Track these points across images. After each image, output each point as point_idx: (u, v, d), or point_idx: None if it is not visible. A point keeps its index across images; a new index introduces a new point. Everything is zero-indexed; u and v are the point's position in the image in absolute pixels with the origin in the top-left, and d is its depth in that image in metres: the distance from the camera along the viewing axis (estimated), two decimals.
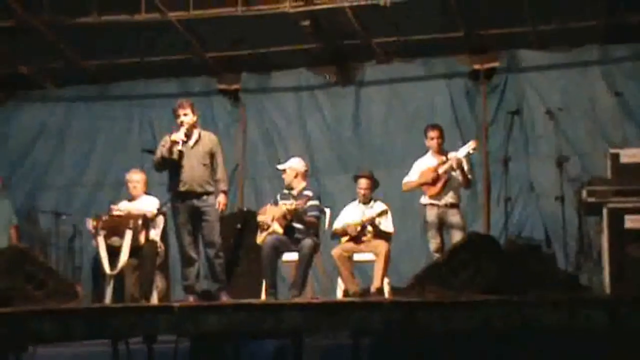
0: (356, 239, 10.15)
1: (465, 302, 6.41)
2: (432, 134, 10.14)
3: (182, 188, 9.30)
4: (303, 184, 10.21)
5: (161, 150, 9.38)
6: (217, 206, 9.41)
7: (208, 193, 9.35)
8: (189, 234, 9.35)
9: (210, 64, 13.54)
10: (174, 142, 9.23)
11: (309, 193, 10.08)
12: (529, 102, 12.35)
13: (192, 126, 9.42)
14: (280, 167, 10.41)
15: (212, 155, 9.44)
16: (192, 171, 9.28)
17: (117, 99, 14.18)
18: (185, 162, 9.28)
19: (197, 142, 9.40)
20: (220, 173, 9.50)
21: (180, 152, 9.25)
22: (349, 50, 13.06)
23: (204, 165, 9.35)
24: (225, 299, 9.16)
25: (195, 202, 9.31)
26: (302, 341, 7.48)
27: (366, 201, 10.40)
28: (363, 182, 10.45)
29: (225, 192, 9.56)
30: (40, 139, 14.24)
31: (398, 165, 11.34)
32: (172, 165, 9.38)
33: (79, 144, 14.13)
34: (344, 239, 10.23)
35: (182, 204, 9.33)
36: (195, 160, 9.31)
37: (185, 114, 9.34)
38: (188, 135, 9.33)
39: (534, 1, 11.52)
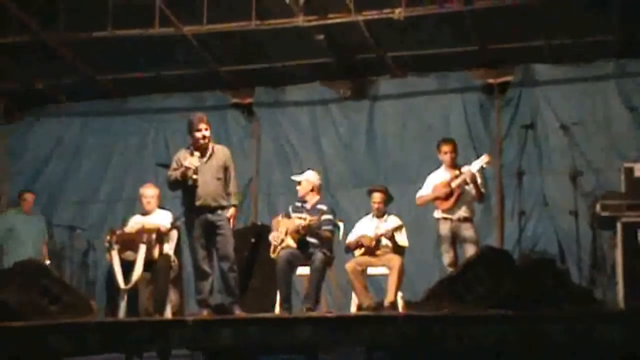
0: (370, 252, 10.15)
1: (479, 316, 6.40)
2: (445, 148, 10.13)
3: (196, 203, 9.31)
4: (317, 197, 10.22)
5: (174, 173, 9.37)
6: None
7: (222, 207, 9.35)
8: (203, 248, 9.34)
9: (224, 78, 13.57)
10: (188, 168, 9.23)
11: (322, 207, 10.09)
12: (543, 116, 12.32)
13: (208, 141, 9.45)
14: (296, 178, 10.41)
15: (225, 169, 9.46)
16: (207, 186, 9.29)
17: (131, 113, 14.22)
18: (200, 177, 9.28)
19: (210, 156, 9.41)
20: (232, 187, 9.51)
21: (195, 180, 9.26)
22: (363, 64, 13.07)
23: (218, 179, 9.36)
24: (238, 312, 9.15)
25: (210, 216, 9.31)
26: (317, 355, 7.48)
27: (380, 215, 10.40)
28: (377, 196, 10.45)
29: (235, 207, 9.56)
30: (55, 153, 14.30)
31: (412, 180, 11.33)
32: (185, 185, 9.40)
33: (94, 159, 14.17)
34: (358, 252, 10.22)
35: (197, 218, 9.33)
36: (209, 174, 9.32)
37: (206, 129, 9.35)
38: (203, 154, 9.35)
39: (548, 15, 11.50)
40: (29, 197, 12.55)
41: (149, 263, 9.80)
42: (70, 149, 14.28)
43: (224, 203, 9.37)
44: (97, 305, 9.14)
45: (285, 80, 13.63)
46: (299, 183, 10.29)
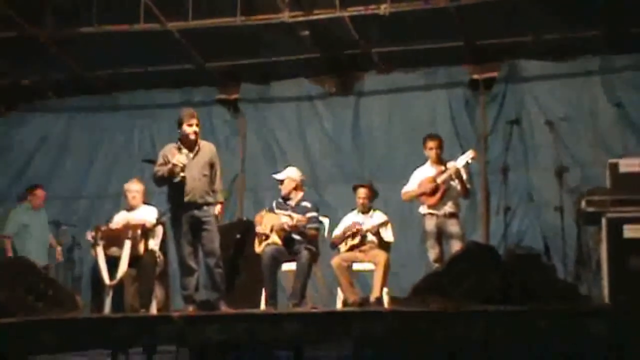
0: (356, 246, 10.16)
1: (465, 311, 6.41)
2: (431, 144, 10.16)
3: (185, 199, 9.31)
4: (300, 193, 10.25)
5: (161, 169, 9.36)
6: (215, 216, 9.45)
7: (208, 203, 9.37)
8: (189, 244, 9.35)
9: (209, 74, 13.55)
10: (175, 165, 9.23)
11: (307, 204, 10.11)
12: (528, 112, 12.34)
13: (197, 137, 9.45)
14: (277, 177, 10.41)
15: (211, 166, 9.46)
16: (194, 182, 9.29)
17: (118, 109, 14.20)
18: (187, 173, 9.28)
19: (197, 152, 9.41)
20: (218, 184, 9.54)
21: (182, 177, 9.27)
22: (349, 60, 13.08)
23: (204, 175, 9.37)
24: (224, 308, 9.16)
25: (196, 212, 9.31)
26: (302, 351, 7.48)
27: (365, 211, 10.42)
28: (362, 192, 10.48)
29: (221, 203, 9.61)
30: (41, 149, 14.27)
31: (398, 175, 11.32)
32: (172, 181, 9.40)
33: (80, 155, 14.15)
34: (343, 248, 10.23)
35: (184, 214, 9.33)
36: (196, 171, 9.32)
37: (197, 124, 9.37)
38: (191, 150, 9.35)
39: (534, 11, 11.51)
40: (39, 192, 12.52)
41: (134, 259, 9.80)
42: (56, 144, 14.26)
43: (210, 199, 9.39)
44: (82, 301, 9.12)
45: (271, 76, 13.63)
46: (281, 182, 10.29)
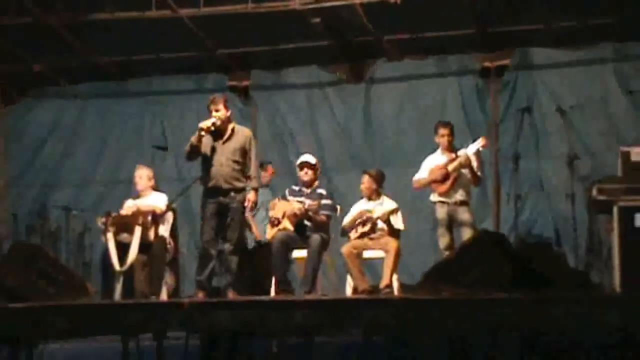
0: (366, 234, 10.14)
1: (476, 299, 6.41)
2: (443, 131, 10.14)
3: (209, 184, 9.33)
4: (316, 182, 10.23)
5: (191, 138, 9.40)
6: (245, 203, 9.41)
7: (236, 190, 9.35)
8: (212, 229, 9.36)
9: (220, 60, 13.55)
10: (200, 129, 9.24)
11: (322, 191, 10.10)
12: (540, 100, 12.31)
13: (226, 122, 9.43)
14: (310, 160, 10.29)
15: (244, 151, 9.44)
16: (220, 167, 9.31)
17: (129, 95, 14.20)
18: (215, 158, 9.31)
19: (229, 138, 9.41)
20: (253, 170, 9.52)
21: (200, 138, 9.26)
22: (360, 47, 13.05)
23: (234, 161, 9.37)
24: (232, 295, 9.17)
25: (222, 198, 9.33)
26: (313, 339, 7.49)
27: (370, 197, 10.38)
28: (364, 179, 10.44)
29: (255, 190, 9.54)
30: (53, 135, 14.28)
31: (409, 163, 11.32)
32: (202, 157, 9.41)
33: (91, 141, 14.16)
34: (354, 235, 10.22)
35: (210, 199, 9.36)
36: (224, 156, 9.33)
37: (217, 110, 9.39)
38: (217, 128, 9.34)
39: None
40: None
41: (144, 245, 9.82)
42: (68, 131, 14.25)
43: (238, 185, 9.38)
44: (93, 287, 9.14)
45: (282, 63, 13.61)
46: (303, 167, 10.18)
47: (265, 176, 11.72)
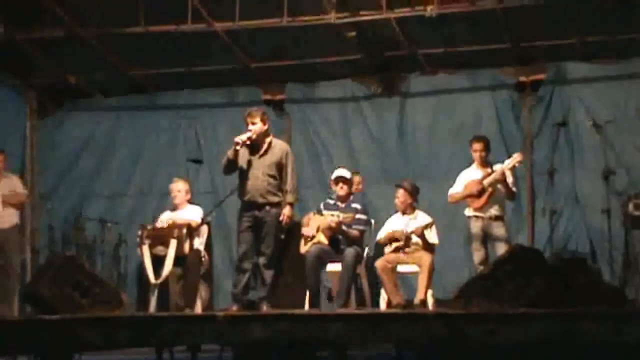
0: (403, 246, 10.12)
1: (510, 314, 6.38)
2: (477, 146, 10.11)
3: (245, 198, 9.34)
4: (350, 196, 10.22)
5: (227, 152, 9.41)
6: (280, 217, 9.36)
7: (271, 204, 9.33)
8: (245, 243, 9.34)
9: (255, 74, 13.59)
10: (236, 143, 9.25)
11: (357, 206, 10.07)
12: (575, 114, 12.25)
13: (262, 135, 9.43)
14: (346, 174, 10.29)
15: (280, 166, 9.43)
16: (256, 181, 9.28)
17: (163, 108, 14.26)
18: (251, 171, 9.30)
19: (266, 151, 9.39)
20: (289, 184, 9.43)
21: (236, 152, 9.26)
22: (394, 61, 13.06)
23: (270, 175, 9.33)
24: (265, 309, 9.17)
25: (257, 212, 9.30)
26: (346, 352, 7.48)
27: (405, 211, 10.35)
28: (398, 193, 10.42)
29: (291, 204, 9.45)
30: (87, 147, 14.34)
31: (443, 177, 11.30)
32: (238, 170, 9.43)
33: (125, 153, 14.23)
34: (388, 249, 10.20)
35: (245, 213, 9.35)
36: (261, 170, 9.30)
37: (253, 123, 9.36)
38: (253, 141, 9.34)
39: (581, 13, 11.44)
40: None
41: (179, 258, 9.85)
42: (102, 143, 14.32)
43: (274, 199, 9.33)
44: (128, 299, 9.18)
45: (317, 77, 13.63)
46: (338, 182, 10.16)
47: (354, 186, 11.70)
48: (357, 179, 11.39)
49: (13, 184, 11.21)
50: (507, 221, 10.25)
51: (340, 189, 10.14)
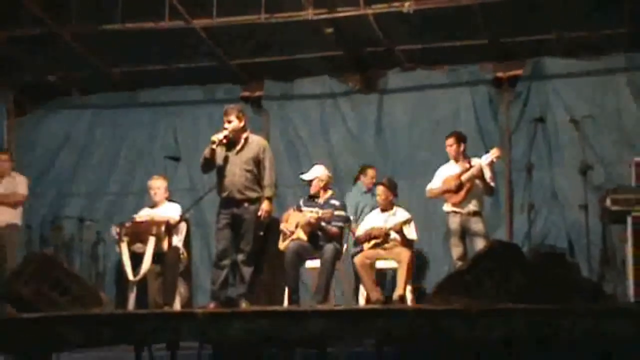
0: (381, 243, 10.14)
1: (489, 310, 6.39)
2: (448, 141, 10.24)
3: (223, 194, 9.32)
4: (329, 192, 10.23)
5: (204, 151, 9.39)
6: (259, 212, 9.33)
7: (249, 200, 9.31)
8: (224, 239, 9.33)
9: (233, 71, 13.56)
10: (212, 142, 9.23)
11: (335, 202, 10.10)
12: (553, 110, 12.28)
13: (239, 132, 9.41)
14: (306, 177, 10.37)
15: (257, 161, 9.41)
16: (233, 177, 9.26)
17: (141, 106, 14.21)
18: (228, 168, 9.28)
19: (242, 147, 9.37)
20: (267, 179, 9.40)
21: (213, 151, 9.25)
22: (372, 57, 13.06)
23: (247, 171, 9.30)
24: (244, 306, 9.16)
25: (235, 210, 9.28)
26: (326, 349, 7.48)
27: (387, 208, 10.39)
28: (379, 190, 10.46)
29: (269, 199, 9.41)
30: (66, 146, 14.29)
31: (421, 173, 11.33)
32: (216, 168, 9.41)
33: (104, 151, 14.18)
34: (367, 245, 10.22)
35: (224, 210, 9.34)
36: (238, 166, 9.28)
37: (229, 121, 9.34)
38: (229, 139, 9.32)
39: (559, 8, 11.46)
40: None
41: (158, 255, 9.84)
42: (80, 141, 14.27)
43: (252, 195, 9.31)
44: (106, 297, 9.15)
45: (295, 74, 13.62)
46: (310, 182, 10.25)
47: (366, 180, 11.70)
48: (370, 172, 11.46)
49: (15, 184, 11.21)
50: (485, 216, 10.28)
51: (314, 187, 10.20)
